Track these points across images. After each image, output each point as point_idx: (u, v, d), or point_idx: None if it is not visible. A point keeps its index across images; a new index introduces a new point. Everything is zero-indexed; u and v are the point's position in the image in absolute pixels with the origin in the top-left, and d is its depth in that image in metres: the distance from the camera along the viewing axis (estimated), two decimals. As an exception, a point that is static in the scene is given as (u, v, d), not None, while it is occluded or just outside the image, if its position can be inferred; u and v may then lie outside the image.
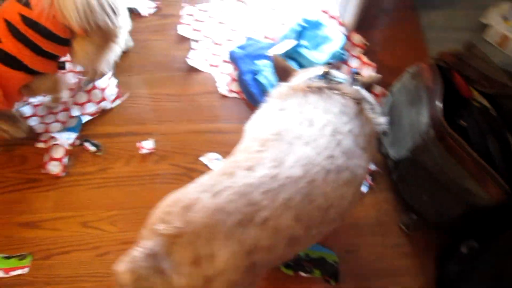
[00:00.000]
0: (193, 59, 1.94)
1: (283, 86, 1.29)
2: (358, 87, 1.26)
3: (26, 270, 1.55)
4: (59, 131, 1.77)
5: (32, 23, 1.46)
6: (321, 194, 1.04)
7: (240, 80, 1.89)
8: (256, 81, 1.84)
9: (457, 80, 1.51)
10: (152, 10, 2.07)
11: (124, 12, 1.64)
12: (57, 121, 1.80)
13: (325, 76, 1.26)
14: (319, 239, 1.16)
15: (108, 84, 1.85)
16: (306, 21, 1.96)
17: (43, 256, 1.57)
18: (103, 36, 1.59)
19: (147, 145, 1.74)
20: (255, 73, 1.85)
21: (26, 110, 1.82)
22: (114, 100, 1.84)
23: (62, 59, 1.65)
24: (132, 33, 1.97)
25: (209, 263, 0.95)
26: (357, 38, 1.97)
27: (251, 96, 1.84)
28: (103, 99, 1.83)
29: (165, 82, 1.89)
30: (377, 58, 1.92)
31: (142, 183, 1.69)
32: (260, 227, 0.98)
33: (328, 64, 1.27)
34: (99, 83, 1.85)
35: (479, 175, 1.34)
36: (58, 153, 1.72)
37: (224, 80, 1.91)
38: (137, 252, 0.96)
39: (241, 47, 1.95)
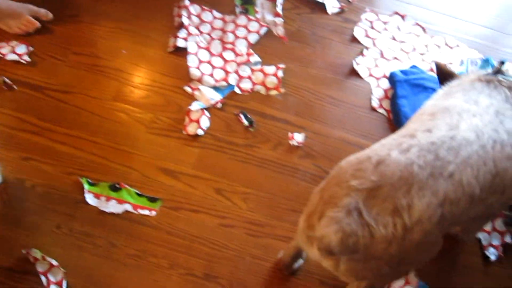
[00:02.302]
0: (359, 64, 1.95)
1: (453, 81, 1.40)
2: None
3: (153, 213, 1.60)
4: (207, 86, 1.84)
5: None
6: (490, 159, 1.13)
7: (392, 102, 1.87)
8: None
9: None
10: (336, 10, 2.07)
11: None
12: (211, 75, 1.85)
13: (496, 73, 1.33)
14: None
15: (274, 73, 1.88)
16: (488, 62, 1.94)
17: (172, 207, 1.62)
18: None
19: (298, 138, 1.75)
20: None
21: (192, 46, 1.90)
22: (269, 89, 1.86)
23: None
24: (312, 27, 1.99)
25: (408, 213, 1.02)
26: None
27: (398, 120, 1.82)
28: (261, 84, 1.86)
29: (330, 83, 1.89)
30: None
31: (282, 172, 1.70)
32: (448, 180, 1.07)
33: (501, 63, 1.36)
34: (267, 68, 1.89)
35: None
36: (195, 115, 1.77)
37: (378, 94, 1.91)
38: (337, 212, 1.02)
39: (403, 72, 1.93)
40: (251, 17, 1.98)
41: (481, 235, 1.66)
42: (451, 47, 2.05)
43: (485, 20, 2.16)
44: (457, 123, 1.16)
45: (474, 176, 1.10)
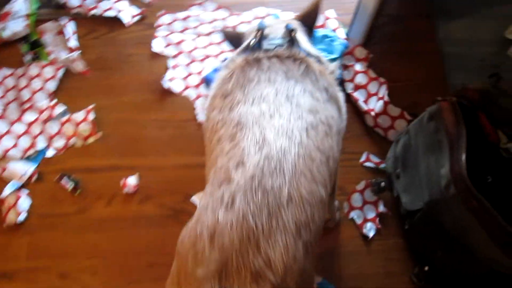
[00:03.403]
0: (169, 81, 1.72)
1: (223, 66, 1.19)
2: (297, 46, 1.17)
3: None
4: (16, 160, 1.60)
5: None
6: (315, 149, 1.00)
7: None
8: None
9: (483, 122, 1.33)
10: (135, 19, 1.84)
11: None
12: (15, 146, 1.61)
13: (259, 43, 1.16)
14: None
15: (84, 118, 1.65)
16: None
17: (16, 313, 1.42)
18: None
19: (131, 182, 1.55)
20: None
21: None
22: (87, 138, 1.64)
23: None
24: (114, 47, 1.76)
25: (270, 270, 0.86)
26: (360, 51, 1.75)
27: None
28: (75, 135, 1.64)
29: (149, 105, 1.69)
30: (387, 73, 1.71)
31: (125, 227, 1.51)
32: (290, 206, 0.91)
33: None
34: (76, 115, 1.66)
35: (505, 243, 1.17)
36: (11, 200, 1.54)
37: (202, 104, 1.69)
38: None
39: (217, 70, 1.72)
40: (43, 62, 1.73)
41: (353, 214, 1.53)
42: (263, 17, 1.86)
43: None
44: (262, 137, 0.98)
45: (311, 179, 0.96)
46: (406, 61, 1.77)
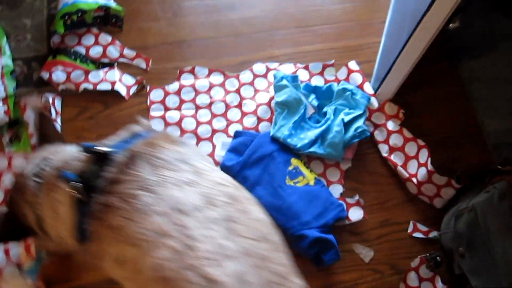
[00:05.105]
0: None
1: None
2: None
3: None
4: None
5: None
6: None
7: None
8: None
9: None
10: (134, 89, 1.61)
11: None
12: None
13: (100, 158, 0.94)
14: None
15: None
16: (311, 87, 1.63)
17: None
18: None
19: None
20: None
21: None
22: None
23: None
24: (113, 126, 1.52)
25: None
26: (390, 107, 1.60)
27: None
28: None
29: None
30: (417, 128, 1.58)
31: None
32: None
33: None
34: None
35: None
36: None
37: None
38: None
39: (233, 150, 1.52)
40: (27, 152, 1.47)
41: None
42: (263, 75, 1.68)
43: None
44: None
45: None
46: (435, 111, 1.64)
